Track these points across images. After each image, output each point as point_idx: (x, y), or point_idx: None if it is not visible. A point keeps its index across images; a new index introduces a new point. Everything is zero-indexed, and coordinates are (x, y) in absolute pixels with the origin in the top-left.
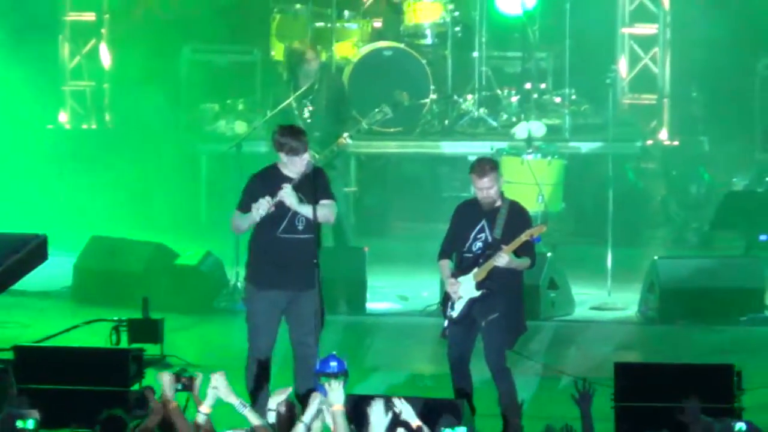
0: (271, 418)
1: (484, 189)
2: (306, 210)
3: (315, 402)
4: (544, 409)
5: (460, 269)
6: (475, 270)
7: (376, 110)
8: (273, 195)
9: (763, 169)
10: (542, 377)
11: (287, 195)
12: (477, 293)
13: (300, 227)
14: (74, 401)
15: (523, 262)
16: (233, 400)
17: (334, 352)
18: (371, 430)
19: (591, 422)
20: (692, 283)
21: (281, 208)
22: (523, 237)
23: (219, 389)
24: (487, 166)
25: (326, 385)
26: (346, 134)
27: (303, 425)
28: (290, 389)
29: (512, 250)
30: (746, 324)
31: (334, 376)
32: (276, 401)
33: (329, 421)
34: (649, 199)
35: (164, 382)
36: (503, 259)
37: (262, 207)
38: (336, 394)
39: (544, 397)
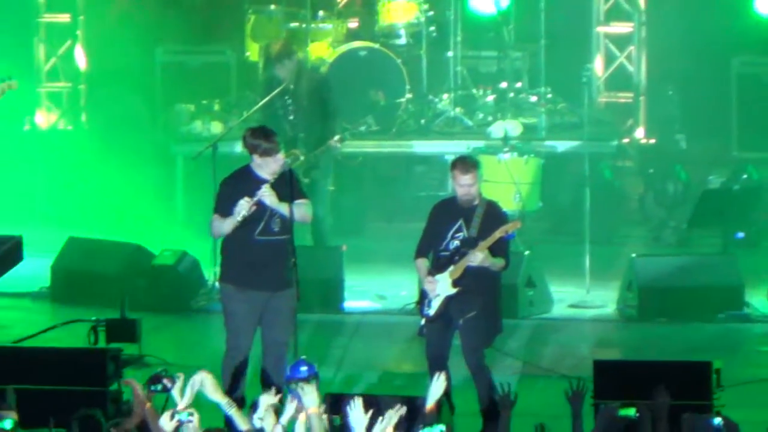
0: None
1: (466, 186)
2: (284, 209)
3: (292, 405)
4: (523, 407)
5: (437, 267)
6: (451, 268)
7: (361, 121)
8: (250, 196)
9: (740, 166)
10: (522, 375)
11: (267, 194)
12: (453, 291)
13: (276, 229)
14: (52, 401)
15: (498, 262)
16: (220, 398)
17: (303, 357)
18: (351, 428)
19: (581, 421)
20: (670, 282)
21: (258, 210)
22: (498, 233)
23: (206, 387)
24: (470, 163)
25: (299, 389)
26: (337, 137)
27: (281, 427)
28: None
29: (487, 247)
30: (724, 321)
31: (306, 380)
32: (265, 408)
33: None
34: (626, 198)
35: (136, 386)
36: (477, 256)
37: (244, 208)
38: (310, 397)
39: (523, 395)
